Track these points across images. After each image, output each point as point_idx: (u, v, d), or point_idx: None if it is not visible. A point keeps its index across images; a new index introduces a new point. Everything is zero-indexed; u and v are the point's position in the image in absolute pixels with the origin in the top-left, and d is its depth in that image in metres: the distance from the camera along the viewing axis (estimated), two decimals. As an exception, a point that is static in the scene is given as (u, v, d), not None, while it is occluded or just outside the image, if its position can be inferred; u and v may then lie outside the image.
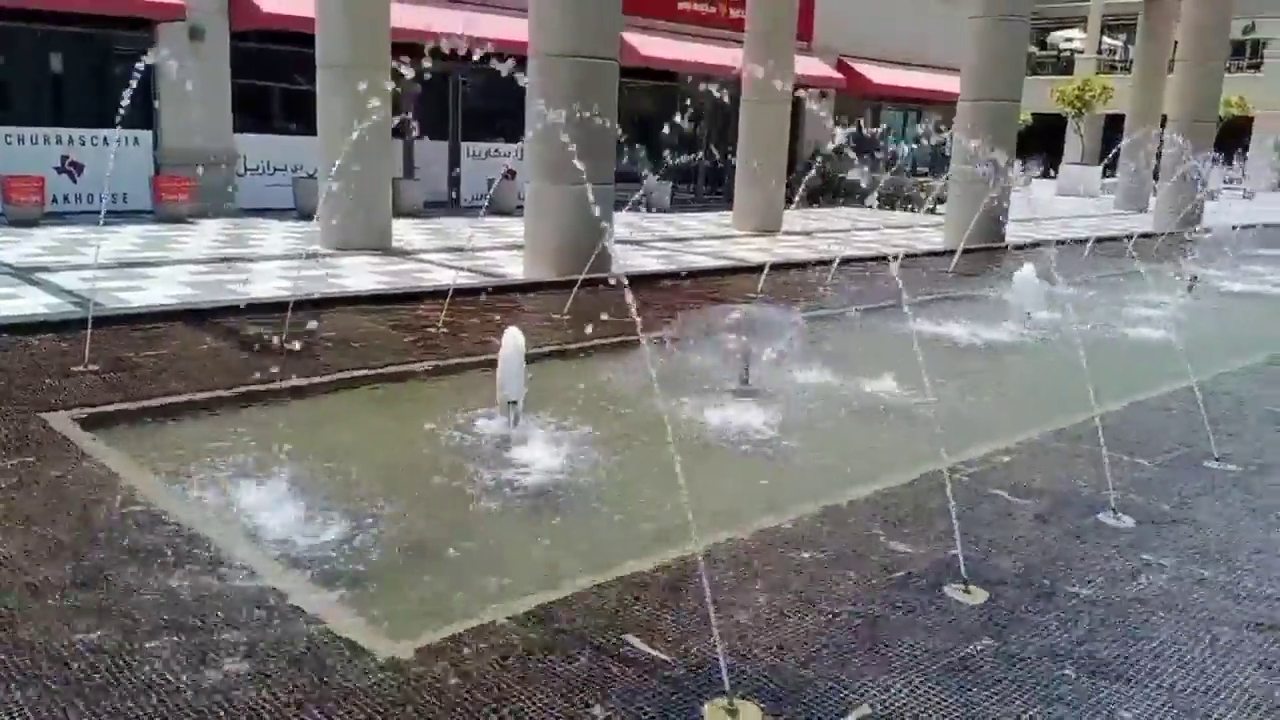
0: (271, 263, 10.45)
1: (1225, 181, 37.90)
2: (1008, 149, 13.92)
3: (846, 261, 10.99)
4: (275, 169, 16.02)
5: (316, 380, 5.16)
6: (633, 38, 20.03)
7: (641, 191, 19.26)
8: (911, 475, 3.99)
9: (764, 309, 6.20)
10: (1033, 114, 43.55)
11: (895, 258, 11.48)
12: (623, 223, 17.00)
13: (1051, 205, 26.65)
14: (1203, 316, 8.67)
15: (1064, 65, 50.68)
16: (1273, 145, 36.48)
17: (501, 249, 12.25)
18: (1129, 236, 13.87)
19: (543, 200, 9.28)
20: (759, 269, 9.87)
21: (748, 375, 5.43)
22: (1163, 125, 22.00)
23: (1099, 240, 13.73)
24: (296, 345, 5.58)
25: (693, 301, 8.17)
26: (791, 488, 4.06)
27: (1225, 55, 18.27)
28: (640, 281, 9.11)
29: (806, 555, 3.25)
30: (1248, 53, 47.19)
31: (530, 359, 4.51)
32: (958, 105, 14.09)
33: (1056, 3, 53.32)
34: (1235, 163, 39.59)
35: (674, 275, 9.69)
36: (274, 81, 16.45)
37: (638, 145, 21.96)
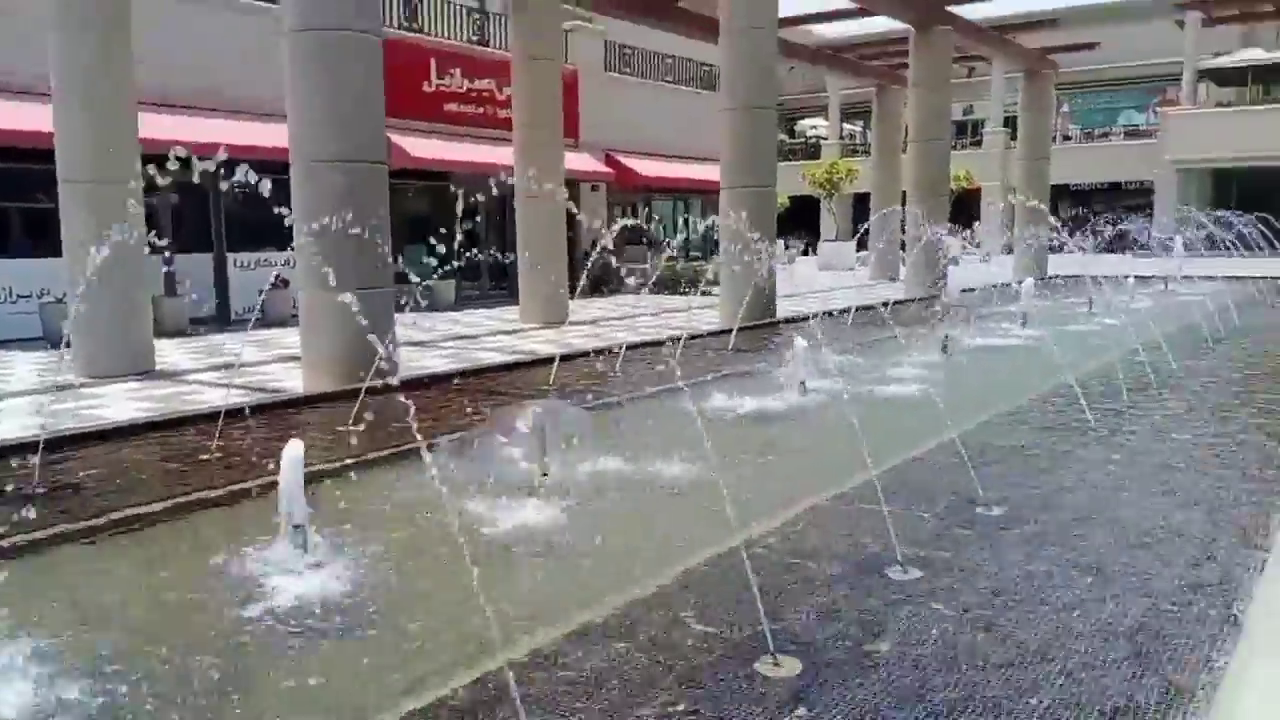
0: (18, 399, 9.54)
1: (964, 249, 41.80)
2: (769, 231, 14.76)
3: (633, 347, 11.24)
4: (18, 295, 14.77)
5: (72, 526, 4.70)
6: (403, 140, 20.04)
7: (421, 291, 19.10)
8: (711, 553, 4.04)
9: (555, 402, 6.21)
10: (790, 196, 46.67)
11: (678, 340, 11.82)
12: (406, 323, 16.73)
13: (814, 280, 28.41)
14: (959, 371, 9.38)
15: (812, 150, 54.72)
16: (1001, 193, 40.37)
17: (276, 362, 11.73)
18: (885, 304, 14.94)
19: (317, 308, 8.99)
20: (549, 361, 9.91)
21: (544, 471, 5.39)
22: (903, 201, 24.12)
23: (859, 309, 14.69)
24: (50, 489, 5.08)
25: (485, 399, 8.08)
26: (597, 581, 4.02)
27: (949, 136, 20.26)
28: (430, 383, 8.94)
29: (620, 646, 3.21)
30: (969, 132, 52.65)
31: (315, 476, 4.29)
32: (720, 193, 14.85)
33: (801, 94, 57.82)
34: (973, 229, 43.83)
35: (464, 374, 9.57)
36: (10, 201, 15.28)
37: (417, 245, 21.87)
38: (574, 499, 5.13)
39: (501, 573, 4.08)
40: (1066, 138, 46.34)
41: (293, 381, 9.80)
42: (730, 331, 12.38)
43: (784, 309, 16.21)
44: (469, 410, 7.56)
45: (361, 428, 6.83)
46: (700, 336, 13.18)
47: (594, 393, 8.39)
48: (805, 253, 44.15)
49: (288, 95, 9.16)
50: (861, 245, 35.16)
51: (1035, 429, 6.55)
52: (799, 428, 7.04)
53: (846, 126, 55.64)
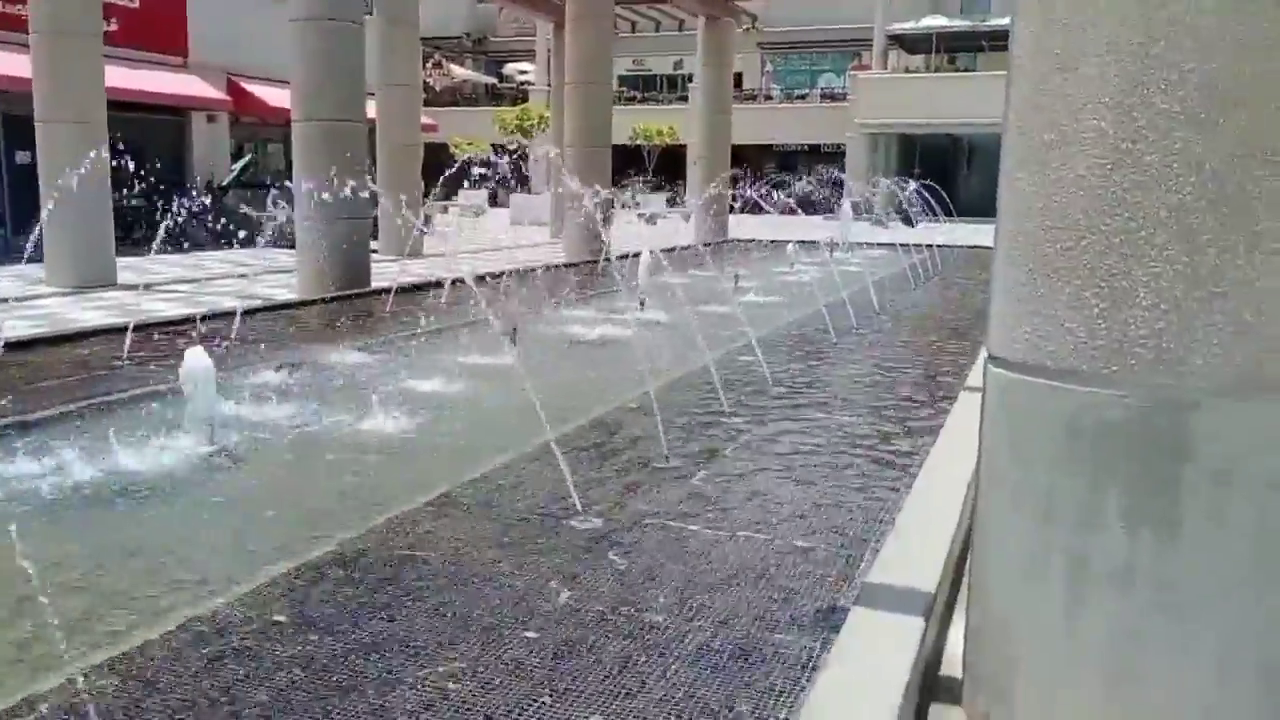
0: None
1: (669, 204, 40.57)
2: (355, 174, 11.78)
3: (107, 332, 8.07)
4: None
5: None
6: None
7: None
8: None
9: None
10: (493, 145, 43.60)
11: (201, 320, 8.68)
12: None
13: (490, 237, 25.61)
14: (500, 382, 6.84)
15: (521, 96, 51.74)
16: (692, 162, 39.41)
17: None
18: (514, 272, 12.44)
19: None
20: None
21: None
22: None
23: (477, 279, 12.10)
24: None
25: None
26: None
27: (609, 83, 17.99)
28: None
29: None
30: (678, 86, 51.62)
31: None
32: (292, 127, 11.71)
33: (511, 37, 54.70)
34: (676, 186, 42.76)
35: None
36: None
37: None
38: None
39: None
40: (769, 97, 46.27)
41: None
42: (292, 306, 9.46)
43: (422, 272, 13.58)
44: None
45: None
46: (247, 313, 10.10)
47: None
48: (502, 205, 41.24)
49: None
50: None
51: (490, 521, 4.09)
52: (139, 517, 4.21)
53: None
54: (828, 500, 4.30)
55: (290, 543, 3.69)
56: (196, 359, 4.88)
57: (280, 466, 4.93)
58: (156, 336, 8.18)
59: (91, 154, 11.15)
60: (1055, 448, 2.54)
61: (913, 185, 27.00)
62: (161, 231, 10.76)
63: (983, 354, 6.23)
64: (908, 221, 26.41)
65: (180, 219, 17.56)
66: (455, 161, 14.26)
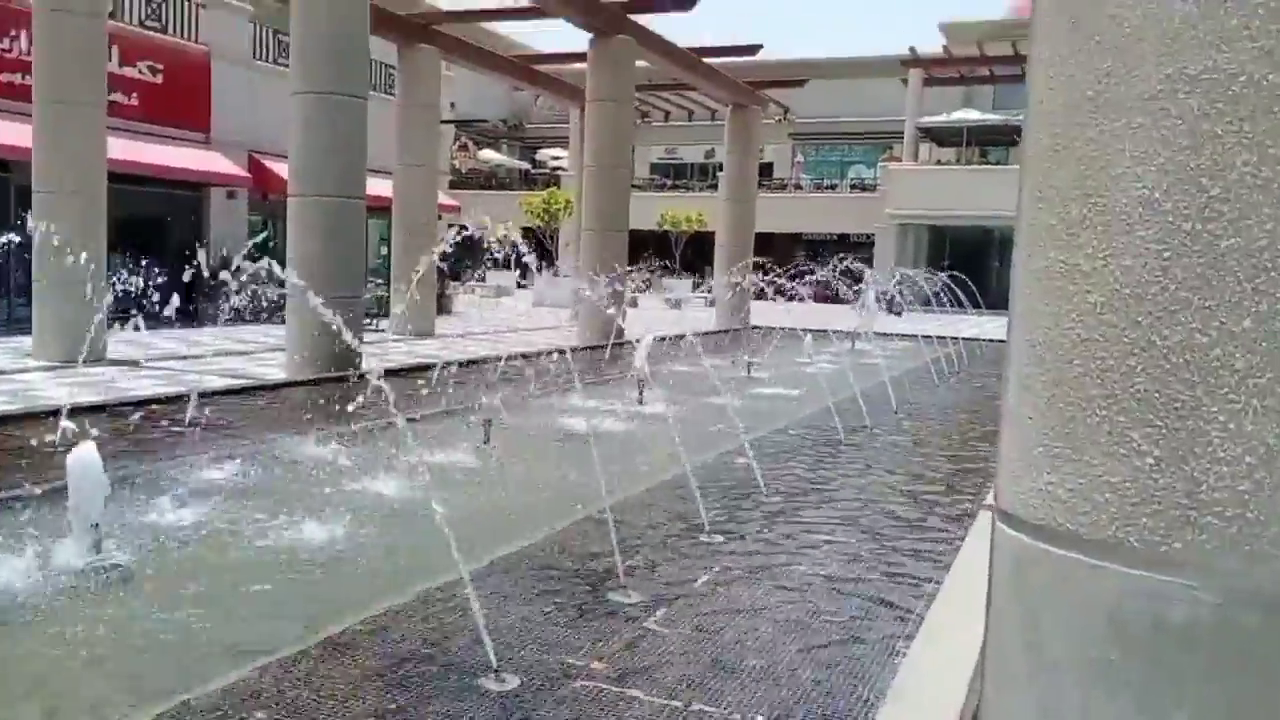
0: None
1: (694, 290, 40.14)
2: (353, 256, 11.32)
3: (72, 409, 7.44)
4: None
5: None
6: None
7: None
8: None
9: None
10: (523, 227, 43.63)
11: (139, 405, 8.07)
12: None
13: (509, 319, 25.16)
14: (451, 486, 6.07)
15: (554, 181, 52.05)
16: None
17: None
18: (515, 357, 11.84)
19: None
20: None
21: None
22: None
23: (470, 363, 11.51)
24: None
25: None
26: None
27: (628, 167, 17.59)
28: None
29: None
30: (709, 175, 51.81)
31: None
32: (288, 203, 11.28)
33: (545, 123, 55.32)
34: (703, 273, 42.41)
35: None
36: None
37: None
38: None
39: None
40: (798, 186, 46.20)
41: None
42: (269, 388, 8.85)
43: (426, 354, 13.04)
44: None
45: None
46: (221, 393, 9.53)
47: None
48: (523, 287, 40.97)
49: None
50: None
51: (380, 675, 3.33)
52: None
53: (588, 158, 53.39)
54: (808, 661, 3.51)
55: (127, 693, 2.96)
56: (82, 456, 4.21)
57: (162, 588, 4.18)
58: (103, 419, 7.56)
59: (90, 229, 10.79)
60: (1091, 650, 1.78)
61: (896, 276, 26.46)
62: (168, 306, 10.32)
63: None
64: (894, 310, 26.02)
65: (190, 294, 17.22)
66: (459, 238, 13.82)
